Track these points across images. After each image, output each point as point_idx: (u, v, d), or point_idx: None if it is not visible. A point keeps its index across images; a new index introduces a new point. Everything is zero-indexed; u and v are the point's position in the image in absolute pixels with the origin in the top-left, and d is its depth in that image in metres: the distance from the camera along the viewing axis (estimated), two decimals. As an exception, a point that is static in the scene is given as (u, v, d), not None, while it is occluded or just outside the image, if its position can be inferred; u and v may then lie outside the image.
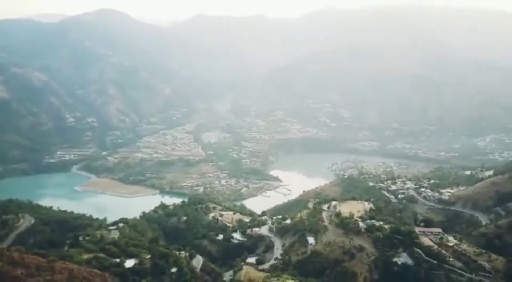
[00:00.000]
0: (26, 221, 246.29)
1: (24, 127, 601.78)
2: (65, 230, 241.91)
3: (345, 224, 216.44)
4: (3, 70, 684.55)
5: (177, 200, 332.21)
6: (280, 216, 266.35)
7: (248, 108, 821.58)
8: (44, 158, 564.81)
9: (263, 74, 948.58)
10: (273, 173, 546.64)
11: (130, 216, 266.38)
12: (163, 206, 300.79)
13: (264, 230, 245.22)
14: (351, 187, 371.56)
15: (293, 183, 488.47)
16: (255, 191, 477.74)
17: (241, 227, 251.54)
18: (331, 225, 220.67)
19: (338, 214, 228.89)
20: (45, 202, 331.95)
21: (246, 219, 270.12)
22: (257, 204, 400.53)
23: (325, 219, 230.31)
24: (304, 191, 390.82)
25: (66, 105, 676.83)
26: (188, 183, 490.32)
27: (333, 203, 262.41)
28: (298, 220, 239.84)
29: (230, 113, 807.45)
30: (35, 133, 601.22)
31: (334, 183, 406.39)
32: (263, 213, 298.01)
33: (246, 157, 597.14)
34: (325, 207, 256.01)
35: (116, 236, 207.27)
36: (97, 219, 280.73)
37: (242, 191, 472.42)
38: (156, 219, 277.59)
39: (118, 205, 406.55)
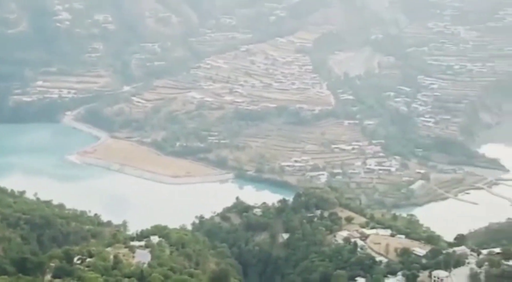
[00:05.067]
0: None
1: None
2: (48, 241, 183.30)
3: None
4: None
5: (272, 196, 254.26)
6: (497, 249, 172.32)
7: None
8: (12, 92, 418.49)
9: None
10: (489, 150, 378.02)
11: (174, 222, 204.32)
12: (241, 208, 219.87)
13: (459, 277, 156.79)
14: None
15: None
16: (445, 188, 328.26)
17: (407, 265, 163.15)
18: None
19: None
20: (10, 183, 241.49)
21: (419, 250, 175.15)
22: (447, 218, 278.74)
23: None
24: None
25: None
26: (296, 161, 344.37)
27: None
28: None
29: (395, 9, 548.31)
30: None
31: None
32: (460, 239, 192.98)
33: (427, 112, 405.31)
34: None
35: (145, 263, 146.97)
36: (108, 223, 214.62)
37: (414, 186, 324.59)
38: (226, 234, 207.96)
39: (151, 197, 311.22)
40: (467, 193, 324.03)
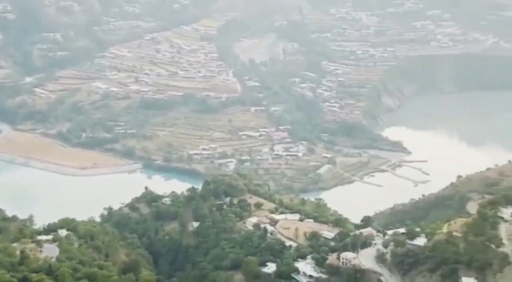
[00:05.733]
0: None
1: None
2: None
3: None
4: None
5: (181, 185, 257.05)
6: (402, 229, 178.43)
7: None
8: None
9: None
10: (391, 133, 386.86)
11: (82, 215, 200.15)
12: (150, 197, 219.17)
13: (366, 258, 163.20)
14: None
15: (436, 158, 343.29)
16: (351, 171, 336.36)
17: (316, 249, 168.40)
18: None
19: None
20: None
21: (328, 233, 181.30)
22: (353, 201, 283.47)
23: (504, 240, 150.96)
24: (459, 176, 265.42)
25: None
26: (204, 149, 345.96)
27: None
28: (442, 240, 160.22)
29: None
30: None
31: None
32: (366, 221, 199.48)
33: (332, 97, 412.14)
34: (506, 212, 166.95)
35: (53, 257, 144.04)
36: (14, 218, 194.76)
37: (321, 170, 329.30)
38: (135, 224, 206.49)
39: (58, 190, 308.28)
40: (372, 176, 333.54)
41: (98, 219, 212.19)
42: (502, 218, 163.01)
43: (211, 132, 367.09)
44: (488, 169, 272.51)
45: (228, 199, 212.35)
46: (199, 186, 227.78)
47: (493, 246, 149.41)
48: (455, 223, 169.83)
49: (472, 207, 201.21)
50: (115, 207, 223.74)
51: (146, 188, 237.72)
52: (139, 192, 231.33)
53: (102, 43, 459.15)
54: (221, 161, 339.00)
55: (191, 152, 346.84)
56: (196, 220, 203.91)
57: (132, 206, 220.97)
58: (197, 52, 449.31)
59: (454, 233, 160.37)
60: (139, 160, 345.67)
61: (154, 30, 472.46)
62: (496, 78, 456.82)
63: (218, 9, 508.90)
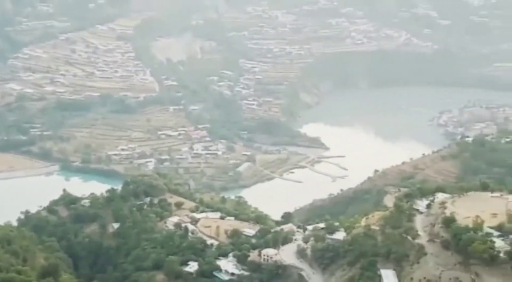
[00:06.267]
0: None
1: None
2: None
3: (464, 243, 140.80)
4: None
5: (100, 186, 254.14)
6: (322, 224, 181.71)
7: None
8: None
9: None
10: (309, 129, 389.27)
11: None
12: (69, 200, 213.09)
13: (287, 254, 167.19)
14: (479, 163, 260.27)
15: (353, 153, 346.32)
16: (270, 168, 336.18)
17: (238, 246, 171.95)
18: (434, 244, 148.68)
19: (449, 221, 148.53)
20: None
21: (249, 230, 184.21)
22: (274, 198, 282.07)
23: (420, 231, 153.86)
24: (376, 170, 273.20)
25: None
26: (123, 149, 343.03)
27: (440, 196, 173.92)
28: (361, 234, 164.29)
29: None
30: None
31: (442, 152, 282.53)
32: (286, 217, 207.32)
33: (250, 95, 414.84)
34: (421, 204, 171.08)
35: None
36: None
37: (241, 168, 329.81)
38: (54, 228, 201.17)
39: None
40: (292, 172, 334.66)
41: (15, 223, 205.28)
42: (417, 210, 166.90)
43: (129, 132, 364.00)
44: (403, 163, 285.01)
45: (148, 199, 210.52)
46: (118, 187, 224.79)
47: (409, 237, 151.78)
48: (372, 216, 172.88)
49: (389, 200, 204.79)
50: (33, 211, 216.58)
51: (64, 190, 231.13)
52: (57, 195, 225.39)
53: (15, 43, 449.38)
54: (140, 161, 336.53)
55: (109, 153, 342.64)
56: (116, 221, 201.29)
57: (50, 209, 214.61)
58: (113, 52, 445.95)
59: (372, 227, 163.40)
60: (56, 162, 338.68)
61: (69, 30, 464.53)
62: (409, 73, 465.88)
63: (134, 8, 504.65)
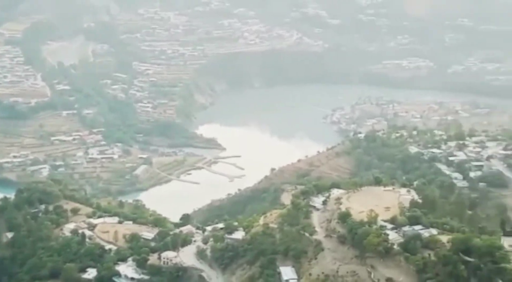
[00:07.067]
0: None
1: None
2: None
3: (360, 237, 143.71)
4: None
5: None
6: (221, 224, 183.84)
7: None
8: None
9: None
10: (205, 130, 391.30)
11: None
12: None
13: (187, 256, 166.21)
14: (372, 158, 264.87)
15: (250, 152, 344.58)
16: (167, 170, 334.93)
17: (137, 250, 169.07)
18: (331, 239, 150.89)
19: (344, 216, 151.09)
20: None
21: (147, 233, 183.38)
22: (172, 200, 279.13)
23: (317, 228, 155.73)
24: (273, 169, 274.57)
25: None
26: (15, 156, 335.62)
27: (335, 192, 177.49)
28: (259, 232, 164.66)
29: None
30: None
31: (336, 149, 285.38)
32: (185, 219, 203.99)
33: (145, 97, 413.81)
34: (317, 201, 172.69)
35: None
36: None
37: (138, 171, 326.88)
38: None
39: None
40: (189, 174, 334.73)
41: None
42: (314, 207, 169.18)
43: (21, 139, 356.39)
44: (299, 161, 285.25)
45: (43, 206, 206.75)
46: (11, 195, 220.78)
47: (307, 234, 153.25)
48: (271, 214, 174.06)
49: (286, 198, 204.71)
50: None
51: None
52: None
53: None
54: (33, 168, 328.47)
55: (1, 160, 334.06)
56: (10, 230, 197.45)
57: None
58: (2, 57, 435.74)
59: (270, 225, 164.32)
60: None
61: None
62: (301, 72, 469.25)
63: (22, 11, 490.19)
